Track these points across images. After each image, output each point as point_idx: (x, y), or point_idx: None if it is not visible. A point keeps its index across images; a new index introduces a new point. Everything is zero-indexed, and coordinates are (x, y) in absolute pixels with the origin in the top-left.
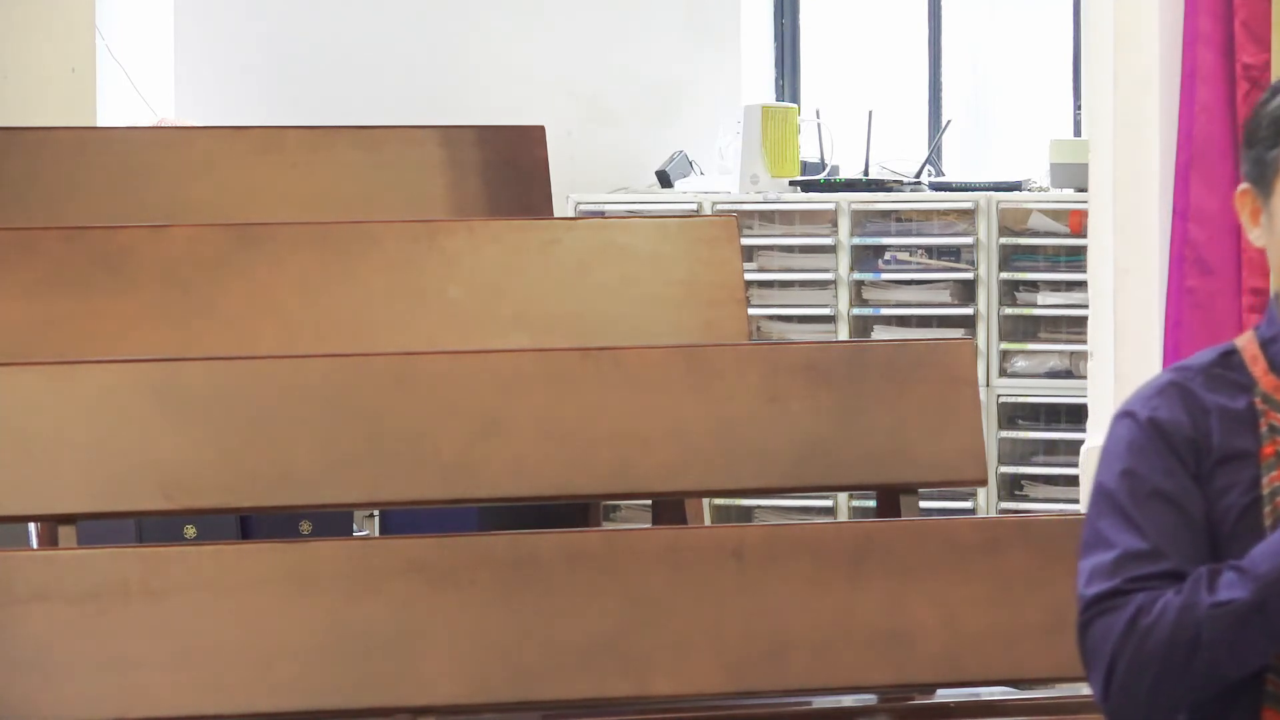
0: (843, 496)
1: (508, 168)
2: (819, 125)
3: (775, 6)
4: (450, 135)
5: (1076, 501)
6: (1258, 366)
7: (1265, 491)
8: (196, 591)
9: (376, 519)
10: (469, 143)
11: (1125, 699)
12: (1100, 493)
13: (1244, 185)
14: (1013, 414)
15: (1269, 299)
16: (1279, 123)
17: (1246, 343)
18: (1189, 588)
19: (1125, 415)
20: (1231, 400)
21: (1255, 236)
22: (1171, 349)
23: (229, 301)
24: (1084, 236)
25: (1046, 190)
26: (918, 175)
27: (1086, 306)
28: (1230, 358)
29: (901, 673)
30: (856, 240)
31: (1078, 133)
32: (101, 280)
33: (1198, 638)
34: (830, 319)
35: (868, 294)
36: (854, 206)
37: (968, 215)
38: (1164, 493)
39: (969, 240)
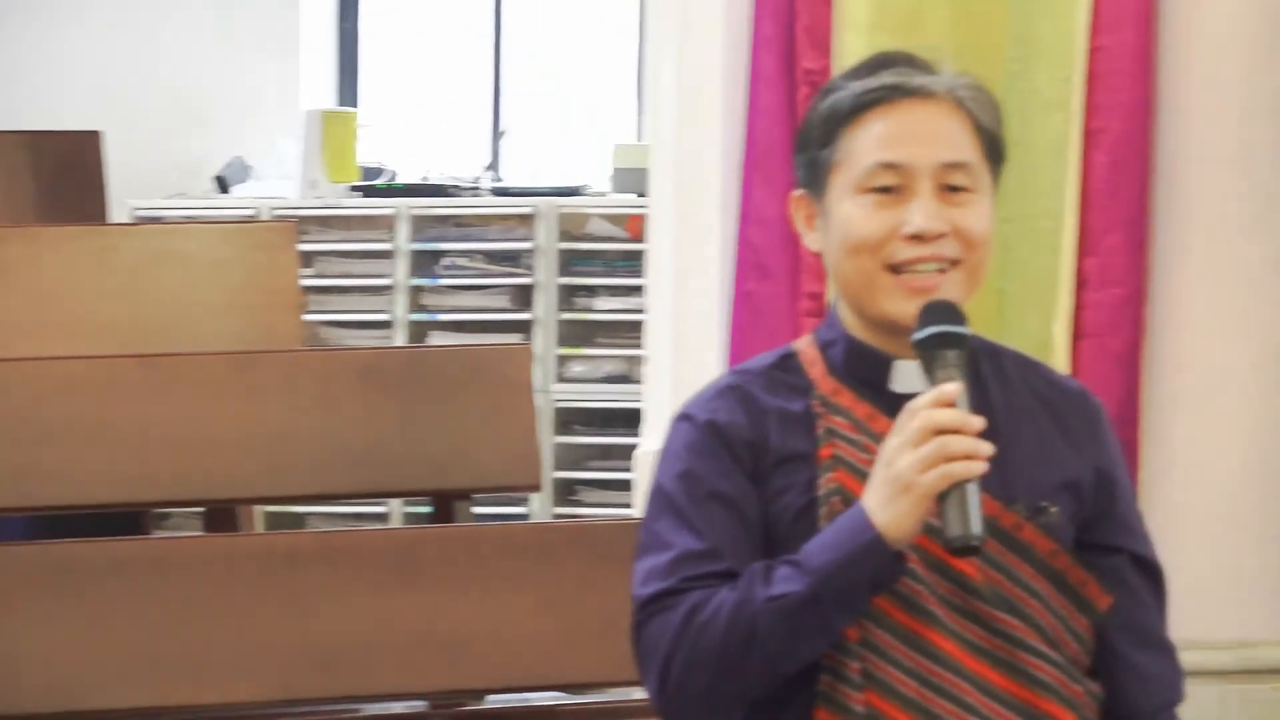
0: (397, 503)
1: (63, 174)
2: (379, 130)
3: (336, 11)
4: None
5: (630, 506)
6: (816, 369)
7: (821, 493)
8: None
9: None
10: (20, 148)
11: (680, 697)
12: (658, 494)
13: (798, 191)
14: (569, 419)
15: (825, 304)
16: (829, 122)
17: (806, 346)
18: (744, 583)
19: (684, 418)
20: (790, 403)
21: (811, 241)
22: (734, 353)
23: None
24: (642, 241)
25: (606, 195)
26: (478, 180)
27: (644, 311)
28: (789, 360)
29: (453, 678)
30: (415, 246)
31: (640, 138)
32: None
33: (753, 632)
34: (388, 324)
35: (426, 299)
36: (413, 212)
37: (527, 220)
38: (721, 494)
39: (528, 245)
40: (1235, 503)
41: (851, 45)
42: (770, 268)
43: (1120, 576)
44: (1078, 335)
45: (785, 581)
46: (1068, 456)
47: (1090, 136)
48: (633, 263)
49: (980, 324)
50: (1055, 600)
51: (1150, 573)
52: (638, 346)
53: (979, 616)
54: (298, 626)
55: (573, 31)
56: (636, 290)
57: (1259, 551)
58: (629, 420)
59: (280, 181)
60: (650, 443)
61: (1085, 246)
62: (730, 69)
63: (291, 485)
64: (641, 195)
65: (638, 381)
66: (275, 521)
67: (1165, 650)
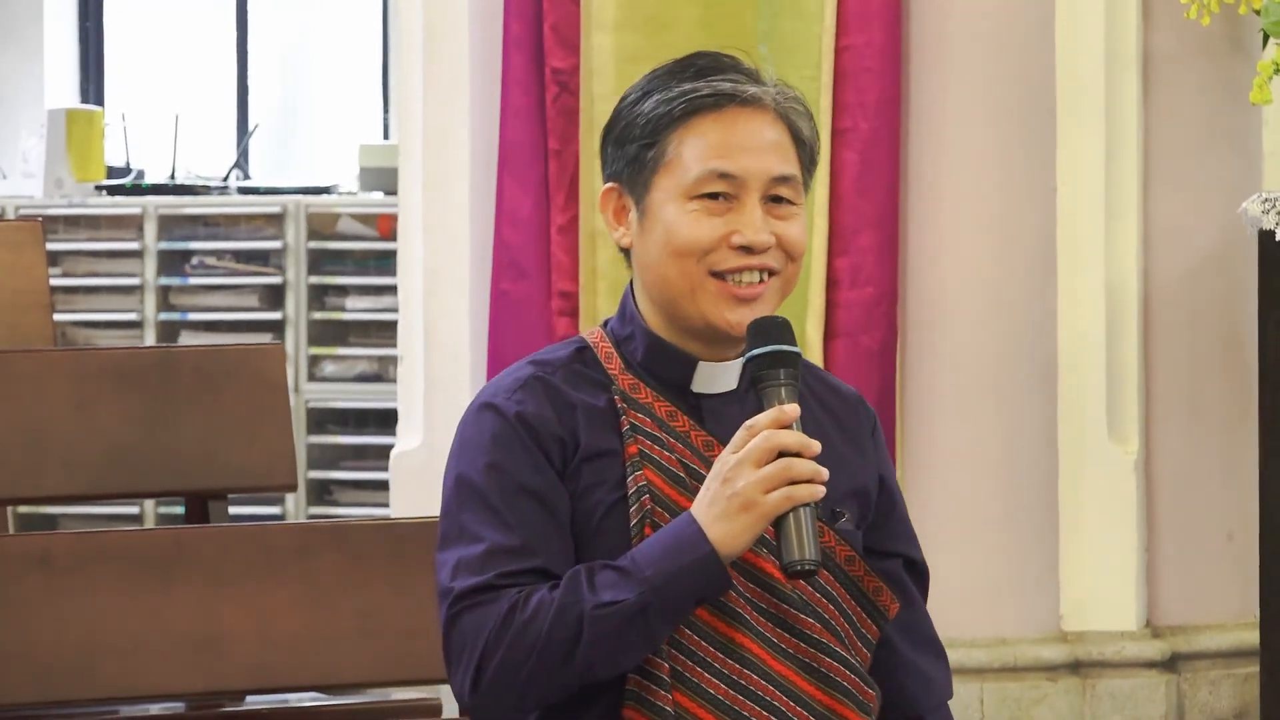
0: (149, 503)
1: None
2: (125, 129)
3: (79, 7)
4: None
5: (386, 505)
6: (613, 364)
7: (631, 490)
8: None
9: None
10: None
11: (495, 693)
12: (463, 485)
13: (609, 184)
14: (322, 419)
15: (578, 302)
16: (656, 121)
17: (599, 339)
18: (568, 585)
19: (487, 407)
20: (594, 398)
21: (619, 235)
22: (491, 352)
23: None
24: (394, 240)
25: (356, 194)
26: (225, 179)
27: (396, 311)
28: (584, 354)
29: (211, 680)
30: (164, 245)
31: (387, 136)
32: None
33: (579, 636)
34: (138, 324)
35: (175, 299)
36: (161, 211)
37: (276, 220)
38: (531, 489)
39: (277, 245)
40: (990, 501)
41: (600, 45)
42: (525, 267)
43: (899, 580)
44: (831, 334)
45: (613, 588)
46: (854, 463)
47: (839, 136)
48: (384, 262)
49: None
50: (849, 606)
51: (921, 575)
52: (390, 346)
53: (784, 620)
54: (54, 628)
55: (317, 26)
56: (388, 290)
57: (1015, 549)
58: (382, 420)
59: (25, 180)
60: (406, 442)
61: (837, 246)
62: (479, 69)
63: (44, 486)
64: (389, 194)
65: (391, 381)
66: (26, 523)
67: (939, 650)
